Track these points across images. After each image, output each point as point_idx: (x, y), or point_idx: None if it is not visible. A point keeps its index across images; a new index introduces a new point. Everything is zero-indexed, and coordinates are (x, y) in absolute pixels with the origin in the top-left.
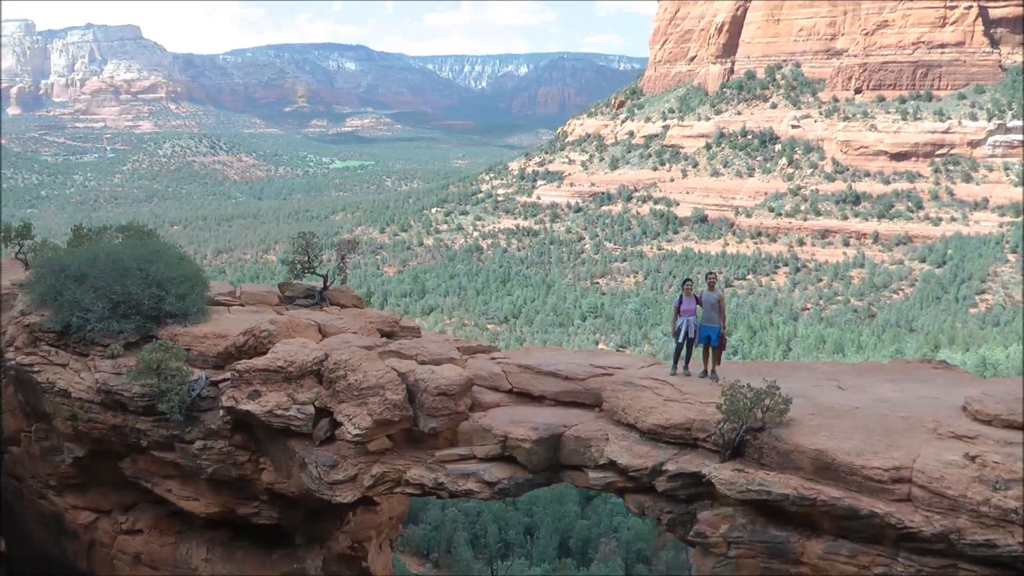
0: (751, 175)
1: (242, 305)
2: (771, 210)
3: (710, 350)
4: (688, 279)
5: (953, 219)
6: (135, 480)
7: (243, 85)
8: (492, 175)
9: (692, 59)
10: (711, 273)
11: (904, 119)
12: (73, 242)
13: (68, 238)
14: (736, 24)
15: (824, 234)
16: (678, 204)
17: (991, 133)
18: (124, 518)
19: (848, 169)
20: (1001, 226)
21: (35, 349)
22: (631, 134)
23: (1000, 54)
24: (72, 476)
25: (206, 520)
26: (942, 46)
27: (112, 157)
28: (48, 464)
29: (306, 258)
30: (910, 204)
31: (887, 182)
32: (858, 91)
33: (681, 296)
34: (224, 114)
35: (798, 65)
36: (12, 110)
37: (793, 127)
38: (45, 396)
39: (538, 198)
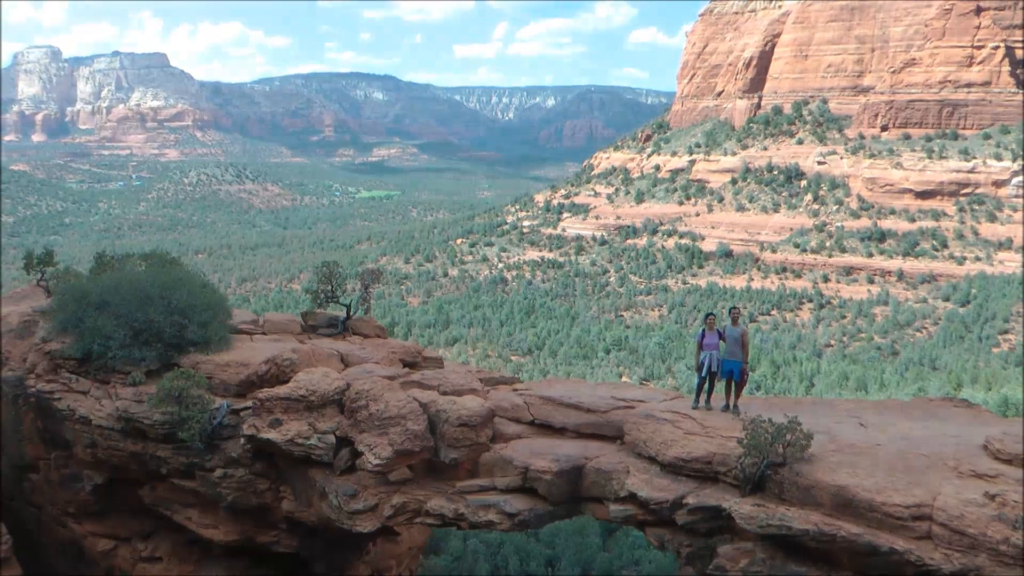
0: (777, 211)
1: (265, 334)
2: (796, 246)
3: (732, 384)
4: (711, 313)
5: (977, 258)
6: (154, 507)
7: (270, 114)
8: (518, 207)
9: (719, 94)
10: (735, 308)
11: (930, 157)
12: (95, 269)
13: (91, 266)
14: (764, 59)
15: (849, 271)
16: (703, 238)
17: (1016, 173)
18: (143, 545)
19: (873, 206)
20: None
21: (56, 376)
22: (657, 168)
23: None
24: (91, 503)
25: (225, 548)
26: (968, 85)
27: (137, 185)
28: (67, 491)
29: (330, 287)
30: (935, 242)
31: (912, 220)
32: (884, 128)
33: (704, 330)
34: (250, 143)
35: (825, 101)
36: (37, 136)
37: (819, 163)
38: (65, 423)
39: (563, 230)
